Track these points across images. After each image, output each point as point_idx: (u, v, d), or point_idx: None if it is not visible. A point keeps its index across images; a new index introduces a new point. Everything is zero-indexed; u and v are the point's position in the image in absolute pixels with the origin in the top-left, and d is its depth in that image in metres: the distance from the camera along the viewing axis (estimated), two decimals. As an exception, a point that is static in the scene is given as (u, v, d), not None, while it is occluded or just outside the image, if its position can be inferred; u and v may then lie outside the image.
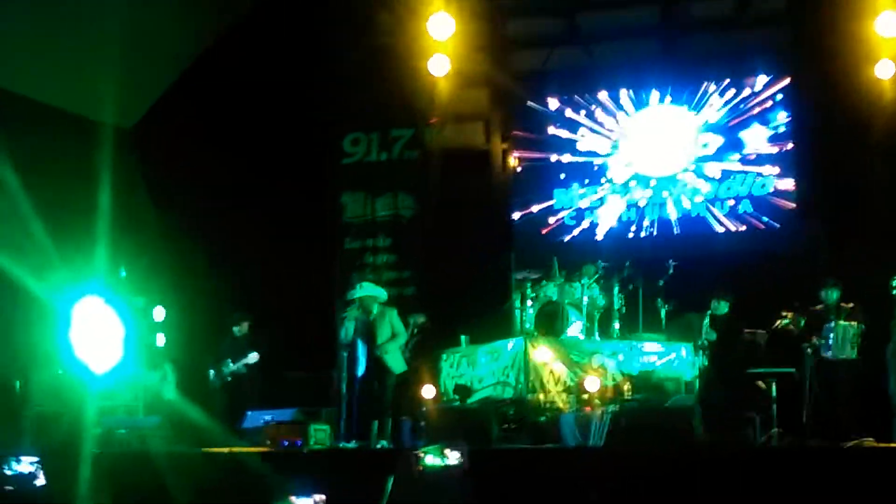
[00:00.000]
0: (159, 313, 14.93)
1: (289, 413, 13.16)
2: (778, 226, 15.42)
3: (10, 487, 9.88)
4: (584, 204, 16.34)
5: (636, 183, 16.17)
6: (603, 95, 16.44)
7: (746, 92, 15.82)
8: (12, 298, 13.14)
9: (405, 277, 15.71)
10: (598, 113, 16.45)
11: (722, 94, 15.92)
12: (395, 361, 12.16)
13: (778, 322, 11.79)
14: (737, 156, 15.78)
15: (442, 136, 16.04)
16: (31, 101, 14.43)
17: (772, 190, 15.55)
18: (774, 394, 11.28)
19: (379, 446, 11.68)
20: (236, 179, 15.58)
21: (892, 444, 10.37)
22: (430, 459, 8.89)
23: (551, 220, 16.42)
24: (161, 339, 14.78)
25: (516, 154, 16.77)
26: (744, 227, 15.60)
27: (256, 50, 15.80)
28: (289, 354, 14.70)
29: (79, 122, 14.76)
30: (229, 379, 13.44)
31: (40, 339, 12.95)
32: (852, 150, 14.01)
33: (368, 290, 12.43)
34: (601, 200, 16.27)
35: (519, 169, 16.74)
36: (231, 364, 13.40)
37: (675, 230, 15.89)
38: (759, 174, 15.63)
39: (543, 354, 12.66)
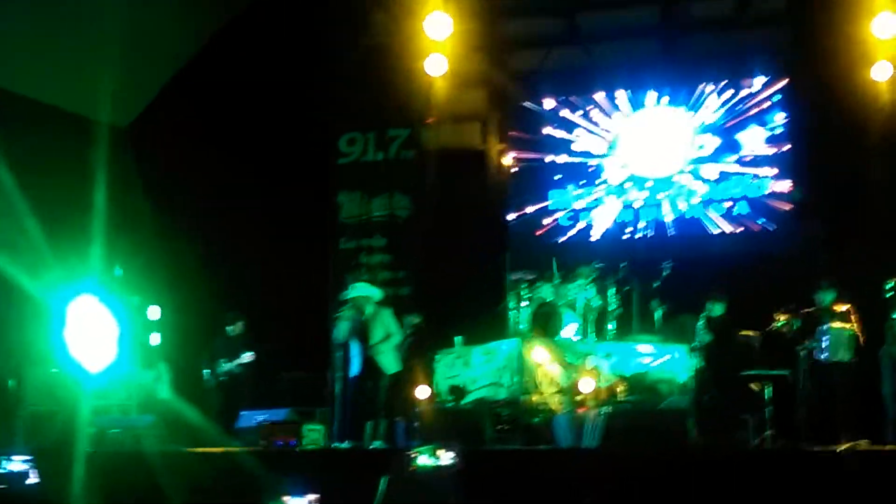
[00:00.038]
0: (154, 312, 14.94)
1: (283, 413, 13.18)
2: (774, 227, 15.42)
3: (3, 486, 9.86)
4: (579, 205, 16.34)
5: (632, 184, 16.16)
6: (600, 96, 16.44)
7: (744, 93, 15.82)
8: (6, 297, 13.14)
9: (400, 278, 15.69)
10: (595, 113, 16.45)
11: (720, 95, 15.92)
12: (389, 362, 12.15)
13: (772, 324, 11.79)
14: (733, 157, 15.77)
15: (438, 136, 16.02)
16: (26, 100, 14.43)
17: (768, 192, 15.55)
18: (769, 396, 11.28)
19: (373, 447, 11.68)
20: (232, 179, 15.55)
21: (887, 447, 10.36)
22: (423, 460, 8.89)
23: (546, 220, 16.42)
24: (156, 339, 14.79)
25: (511, 154, 16.78)
26: (740, 229, 15.59)
27: (252, 49, 15.79)
28: (283, 354, 14.69)
29: (75, 121, 14.76)
30: (224, 378, 13.42)
31: (34, 338, 12.95)
32: (850, 152, 13.98)
33: (362, 291, 12.42)
34: (597, 202, 16.27)
35: (514, 169, 16.74)
36: (225, 364, 13.39)
37: (671, 232, 15.88)
38: (756, 176, 15.63)
39: (538, 355, 12.64)
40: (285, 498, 8.90)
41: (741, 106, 15.78)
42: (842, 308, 11.47)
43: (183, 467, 10.17)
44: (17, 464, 9.99)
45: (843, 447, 9.41)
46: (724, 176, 15.77)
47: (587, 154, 16.42)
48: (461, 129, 16.80)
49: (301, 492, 8.93)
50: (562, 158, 16.51)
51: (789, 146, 15.50)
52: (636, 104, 16.30)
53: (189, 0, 15.66)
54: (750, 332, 12.25)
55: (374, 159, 16.33)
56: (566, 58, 16.72)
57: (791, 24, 15.49)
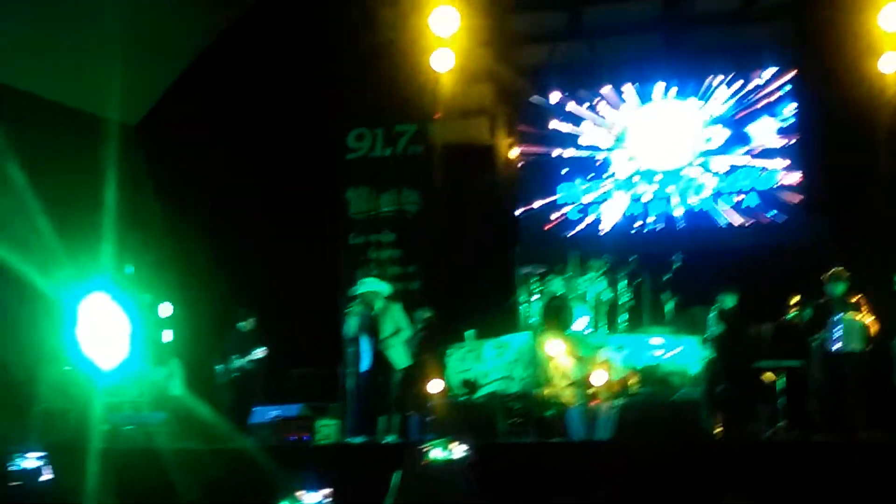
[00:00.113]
0: (166, 309, 14.94)
1: (295, 408, 13.18)
2: (784, 219, 15.41)
3: (17, 482, 9.88)
4: (587, 199, 16.34)
5: (640, 178, 16.16)
6: (606, 89, 16.45)
7: (753, 84, 15.80)
8: (19, 295, 13.14)
9: (410, 272, 15.72)
10: (602, 106, 16.45)
11: (729, 86, 15.91)
12: (398, 356, 12.17)
13: (784, 315, 11.80)
14: (743, 149, 15.76)
15: (446, 131, 16.03)
16: (36, 98, 14.45)
17: (778, 184, 15.54)
18: (781, 387, 11.28)
19: (386, 441, 11.69)
20: (241, 175, 15.57)
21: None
22: (436, 454, 8.90)
23: (555, 215, 16.42)
24: (168, 336, 14.79)
25: (518, 149, 16.78)
26: (750, 222, 15.58)
27: (260, 46, 15.81)
28: (295, 350, 14.70)
29: (84, 119, 14.78)
30: (236, 374, 13.45)
31: (47, 336, 12.94)
32: (858, 144, 13.98)
33: (371, 286, 12.44)
34: (605, 196, 16.27)
35: (521, 164, 16.75)
36: (237, 360, 13.41)
37: (681, 225, 15.87)
38: (765, 168, 15.61)
39: (550, 349, 12.65)
40: (298, 493, 8.89)
41: (751, 96, 15.77)
42: (853, 298, 11.47)
43: (196, 464, 10.17)
44: (31, 461, 9.99)
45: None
46: (733, 168, 15.76)
47: (594, 148, 16.42)
48: (469, 124, 16.78)
49: (314, 487, 8.93)
50: (569, 152, 16.51)
51: (799, 137, 15.49)
52: (644, 97, 16.30)
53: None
54: (762, 324, 12.27)
55: (382, 155, 16.36)
56: (572, 52, 16.71)
57: (797, 17, 15.47)
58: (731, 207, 15.69)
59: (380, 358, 12.10)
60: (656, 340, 13.29)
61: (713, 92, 15.95)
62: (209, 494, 9.78)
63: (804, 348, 11.55)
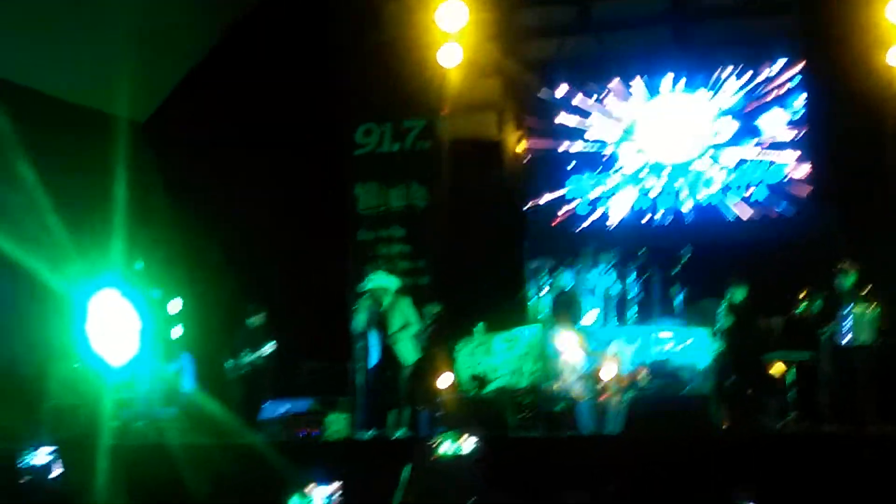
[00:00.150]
0: (175, 305, 14.96)
1: (306, 403, 13.19)
2: (794, 212, 15.37)
3: (28, 477, 9.93)
4: (595, 193, 16.32)
5: (648, 171, 16.13)
6: (615, 83, 16.41)
7: (763, 75, 15.75)
8: (29, 292, 13.18)
9: (420, 267, 15.69)
10: (610, 100, 16.42)
11: (738, 77, 15.86)
12: (407, 351, 12.18)
13: (794, 308, 11.78)
14: (752, 142, 15.72)
15: (454, 126, 16.01)
16: (45, 96, 14.49)
17: (787, 176, 15.50)
18: (791, 380, 11.27)
19: (396, 436, 11.71)
20: (250, 171, 15.60)
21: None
22: (446, 448, 8.91)
23: (563, 209, 16.40)
24: (177, 332, 14.81)
25: (526, 143, 16.77)
26: (760, 214, 15.55)
27: (268, 42, 15.83)
28: (305, 345, 14.73)
29: (94, 116, 14.82)
30: (245, 370, 13.47)
31: (57, 333, 12.98)
32: (867, 136, 13.95)
33: (379, 281, 12.45)
34: (613, 190, 16.25)
35: (528, 158, 16.73)
36: (247, 355, 13.43)
37: (690, 218, 15.85)
38: (774, 161, 15.58)
39: (559, 343, 12.64)
40: (308, 488, 8.91)
41: (761, 89, 15.73)
42: (862, 291, 11.45)
43: (206, 459, 10.20)
44: (42, 456, 10.05)
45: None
46: (742, 161, 15.72)
47: (601, 142, 16.40)
48: (477, 118, 16.76)
49: (325, 481, 8.95)
50: (577, 146, 16.49)
51: (808, 129, 15.46)
52: (652, 90, 16.26)
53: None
54: (771, 316, 12.25)
55: (390, 150, 16.32)
56: (580, 46, 16.68)
57: (805, 10, 15.43)
58: (741, 200, 15.65)
59: (388, 353, 12.11)
60: (666, 334, 13.25)
61: (723, 84, 15.91)
62: (219, 490, 9.82)
63: (814, 341, 11.53)
